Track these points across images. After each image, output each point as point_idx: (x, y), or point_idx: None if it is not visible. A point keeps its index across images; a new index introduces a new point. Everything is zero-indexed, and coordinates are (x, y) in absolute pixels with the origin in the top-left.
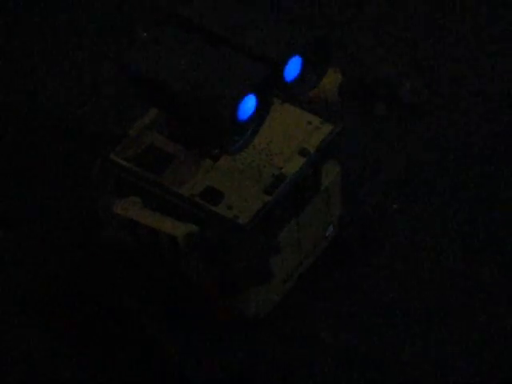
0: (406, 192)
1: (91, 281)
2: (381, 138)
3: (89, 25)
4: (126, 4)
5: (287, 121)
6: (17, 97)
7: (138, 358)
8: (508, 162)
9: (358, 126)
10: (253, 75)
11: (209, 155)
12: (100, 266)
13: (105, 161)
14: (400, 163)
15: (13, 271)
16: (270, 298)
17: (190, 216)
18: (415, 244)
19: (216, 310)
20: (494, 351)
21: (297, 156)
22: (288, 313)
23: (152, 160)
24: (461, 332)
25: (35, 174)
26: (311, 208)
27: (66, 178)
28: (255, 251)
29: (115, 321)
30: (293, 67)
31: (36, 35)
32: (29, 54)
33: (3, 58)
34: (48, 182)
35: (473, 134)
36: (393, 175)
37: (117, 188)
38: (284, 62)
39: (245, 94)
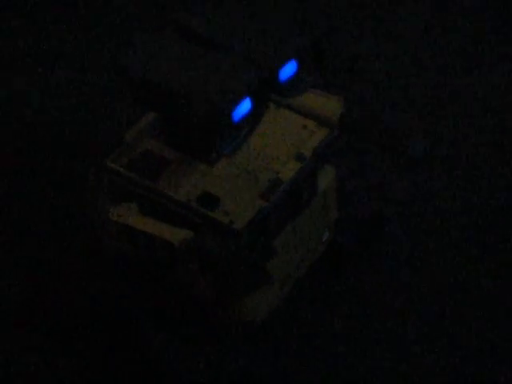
0: (402, 197)
1: (87, 288)
2: None
3: (83, 29)
4: (123, 10)
5: (283, 125)
6: (7, 102)
7: (134, 366)
8: (504, 168)
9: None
10: (249, 79)
11: (205, 160)
12: (95, 273)
13: (100, 167)
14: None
15: (7, 278)
16: (267, 303)
17: (186, 221)
18: (412, 248)
19: (214, 316)
20: (493, 357)
21: (293, 161)
22: (285, 318)
23: (147, 166)
24: (457, 336)
25: (29, 181)
26: (308, 213)
27: (60, 186)
28: (252, 256)
29: (111, 328)
30: (288, 70)
31: (27, 39)
32: (20, 58)
33: None
34: (42, 189)
35: (473, 137)
36: (389, 179)
37: (112, 194)
38: (280, 66)
39: (241, 97)
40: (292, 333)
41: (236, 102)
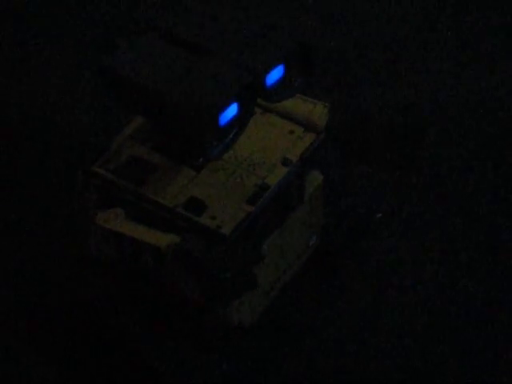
0: (389, 201)
1: (75, 293)
2: None
3: (71, 35)
4: (109, 14)
5: (269, 130)
6: None
7: (124, 369)
8: (493, 172)
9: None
10: (235, 83)
11: (191, 165)
12: (83, 279)
13: (87, 172)
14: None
15: None
16: (254, 307)
17: (173, 227)
18: (399, 254)
19: (202, 320)
20: (484, 360)
21: (280, 166)
22: (272, 322)
23: (134, 171)
24: (443, 340)
25: (15, 186)
26: (295, 217)
27: (47, 190)
28: (239, 261)
29: (99, 331)
30: (275, 74)
31: (15, 44)
32: (9, 63)
33: None
34: (29, 194)
35: (460, 142)
36: (377, 184)
37: (99, 200)
38: (267, 71)
39: (227, 101)
40: (279, 337)
41: (222, 106)
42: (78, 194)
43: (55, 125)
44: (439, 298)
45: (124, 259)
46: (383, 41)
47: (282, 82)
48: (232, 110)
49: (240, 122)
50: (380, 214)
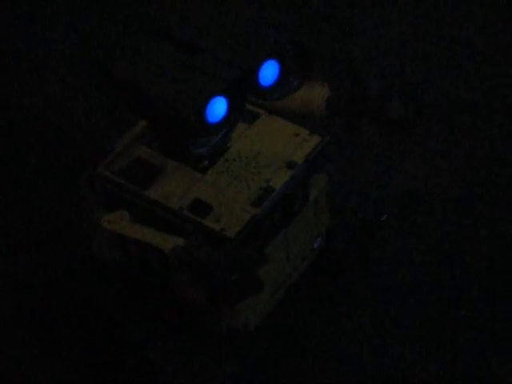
0: (394, 204)
1: (80, 294)
2: (369, 150)
3: (72, 39)
4: (110, 15)
5: (275, 133)
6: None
7: (126, 371)
8: (496, 179)
9: (346, 139)
10: (222, 78)
11: (196, 168)
12: (88, 280)
13: (92, 174)
14: (388, 175)
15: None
16: (259, 309)
17: (179, 229)
18: (403, 256)
19: (205, 322)
20: (485, 362)
21: (284, 168)
22: (277, 325)
23: (139, 173)
24: (447, 344)
25: (21, 187)
26: (299, 220)
27: (53, 192)
28: (243, 263)
29: (104, 335)
30: (270, 72)
31: (20, 45)
32: (14, 66)
33: None
34: (35, 195)
35: (461, 147)
36: (381, 187)
37: (105, 202)
38: (255, 66)
39: (212, 95)
40: (283, 339)
41: (206, 100)
42: (82, 196)
43: (60, 126)
44: (444, 300)
45: (129, 261)
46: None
47: (278, 82)
48: (221, 108)
49: (230, 120)
50: (385, 216)
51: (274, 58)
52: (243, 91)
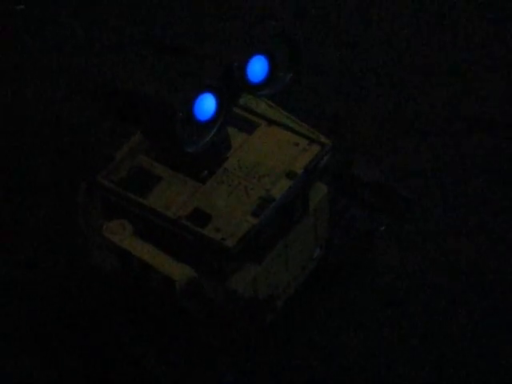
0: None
1: (78, 306)
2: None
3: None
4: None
5: (274, 142)
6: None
7: (124, 380)
8: (495, 186)
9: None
10: (209, 74)
11: (196, 177)
12: (84, 287)
13: (91, 183)
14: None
15: None
16: None
17: (178, 238)
18: (402, 266)
19: (204, 332)
20: (483, 365)
21: (284, 178)
22: (276, 334)
23: (139, 182)
24: (446, 350)
25: (20, 196)
26: (299, 230)
27: (52, 201)
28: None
29: (103, 348)
30: (258, 68)
31: (24, 50)
32: (15, 71)
33: None
34: (34, 204)
35: (460, 158)
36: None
37: (103, 210)
38: (243, 62)
39: (198, 91)
40: (282, 348)
41: (193, 96)
42: (81, 204)
43: (59, 135)
44: (443, 309)
45: (128, 273)
46: None
47: (268, 77)
48: (210, 105)
49: (220, 117)
50: (383, 227)
51: (262, 53)
52: (232, 88)
